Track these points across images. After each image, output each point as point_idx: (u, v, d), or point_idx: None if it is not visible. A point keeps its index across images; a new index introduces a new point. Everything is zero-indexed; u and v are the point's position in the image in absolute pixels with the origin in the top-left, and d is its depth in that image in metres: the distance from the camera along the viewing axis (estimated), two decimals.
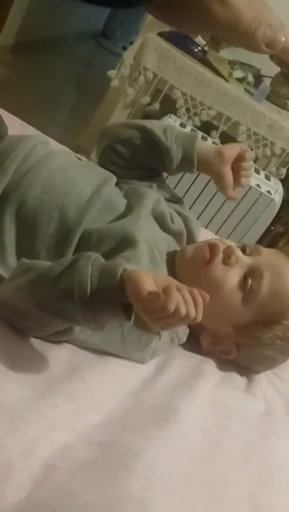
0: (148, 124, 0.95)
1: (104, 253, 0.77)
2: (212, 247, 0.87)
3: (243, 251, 0.89)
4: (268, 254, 0.89)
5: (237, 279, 0.85)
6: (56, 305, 0.64)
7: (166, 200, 0.97)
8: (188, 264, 0.87)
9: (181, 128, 0.97)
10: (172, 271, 0.86)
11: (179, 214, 0.96)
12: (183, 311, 0.58)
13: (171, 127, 0.95)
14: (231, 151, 0.94)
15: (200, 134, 2.11)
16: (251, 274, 0.85)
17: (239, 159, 0.95)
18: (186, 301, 0.59)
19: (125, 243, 0.79)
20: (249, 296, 0.84)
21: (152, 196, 0.90)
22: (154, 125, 0.95)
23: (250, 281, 0.84)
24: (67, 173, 0.85)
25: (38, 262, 0.71)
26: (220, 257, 0.85)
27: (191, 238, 0.97)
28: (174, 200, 0.99)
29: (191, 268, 0.86)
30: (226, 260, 0.85)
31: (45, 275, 0.66)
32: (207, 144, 1.05)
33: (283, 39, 0.61)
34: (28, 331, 0.72)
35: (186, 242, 0.97)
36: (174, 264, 0.88)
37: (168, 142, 0.93)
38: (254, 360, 0.92)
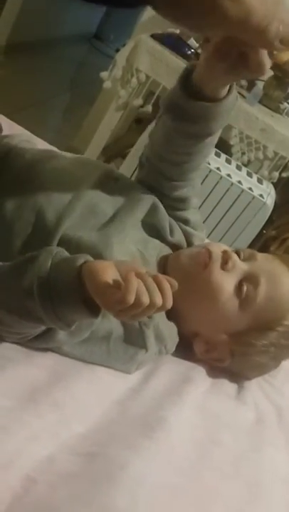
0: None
1: None
2: (210, 251, 0.84)
3: (238, 255, 0.86)
4: (263, 260, 0.87)
5: (233, 285, 0.83)
6: (18, 303, 0.61)
7: (170, 207, 0.90)
8: (184, 269, 0.84)
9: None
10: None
11: (182, 228, 0.92)
12: (145, 300, 0.54)
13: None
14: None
15: None
16: (247, 280, 0.83)
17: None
18: (148, 288, 0.55)
19: (102, 254, 0.75)
20: (245, 303, 0.82)
21: (148, 201, 0.86)
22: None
23: (245, 288, 0.82)
24: (48, 175, 0.81)
25: (4, 263, 0.67)
26: (217, 262, 0.83)
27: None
28: (177, 217, 0.92)
29: (186, 273, 0.83)
30: (223, 265, 0.83)
31: (6, 272, 0.63)
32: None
33: None
34: (3, 335, 0.69)
35: None
36: (165, 270, 0.85)
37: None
38: (246, 367, 0.90)
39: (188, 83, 0.77)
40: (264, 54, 0.64)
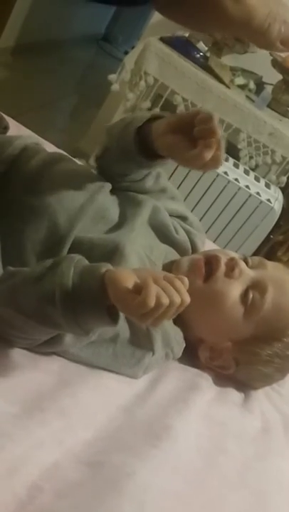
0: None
1: (94, 263, 0.74)
2: (212, 259, 0.83)
3: (246, 263, 0.85)
4: (273, 269, 0.86)
5: (239, 292, 0.82)
6: (38, 309, 0.61)
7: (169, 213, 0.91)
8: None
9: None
10: None
11: (182, 226, 0.93)
12: (165, 301, 0.56)
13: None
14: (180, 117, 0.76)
15: None
16: (254, 287, 0.82)
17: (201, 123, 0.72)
18: (165, 289, 0.57)
19: (114, 256, 0.75)
20: (251, 311, 0.82)
21: (149, 204, 0.86)
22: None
23: (251, 295, 0.81)
24: (59, 178, 0.81)
25: (23, 268, 0.67)
26: (221, 269, 0.82)
27: (195, 250, 0.94)
28: (176, 214, 0.94)
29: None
30: (229, 273, 0.82)
31: (27, 278, 0.64)
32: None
33: None
34: (14, 340, 0.69)
35: (189, 254, 0.93)
36: None
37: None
38: (251, 377, 0.89)
39: (144, 131, 0.78)
40: (204, 150, 0.69)
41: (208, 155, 0.69)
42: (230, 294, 0.81)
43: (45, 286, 0.61)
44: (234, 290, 0.82)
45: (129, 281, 0.57)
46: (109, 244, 0.76)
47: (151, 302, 0.54)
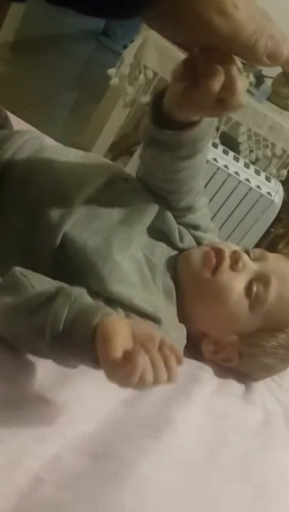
0: None
1: (85, 265, 0.73)
2: (217, 252, 0.83)
3: (248, 255, 0.85)
4: (274, 260, 0.86)
5: (243, 285, 0.82)
6: (27, 340, 0.61)
7: (177, 216, 0.87)
8: (192, 271, 0.83)
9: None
10: (175, 278, 0.83)
11: (192, 234, 0.89)
12: (148, 378, 0.53)
13: None
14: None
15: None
16: (258, 280, 0.82)
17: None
18: (154, 364, 0.54)
19: (108, 259, 0.74)
20: (255, 304, 0.81)
21: (154, 209, 0.83)
22: None
23: (255, 288, 0.81)
24: (57, 171, 0.80)
25: (26, 280, 0.66)
26: (226, 263, 0.82)
27: None
28: (187, 223, 0.89)
29: (195, 275, 0.82)
30: (233, 266, 0.82)
31: (21, 307, 0.62)
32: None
33: (286, 51, 0.58)
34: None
35: None
36: (175, 271, 0.84)
37: None
38: (254, 368, 0.89)
39: (160, 111, 0.72)
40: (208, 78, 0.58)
41: (215, 83, 0.58)
42: (235, 287, 0.81)
43: (38, 321, 0.59)
44: (238, 283, 0.81)
45: (120, 342, 0.54)
46: (103, 249, 0.75)
47: (135, 379, 0.52)
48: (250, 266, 0.83)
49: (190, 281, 0.82)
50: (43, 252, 0.74)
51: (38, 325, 0.59)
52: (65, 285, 0.67)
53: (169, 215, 0.85)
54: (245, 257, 0.83)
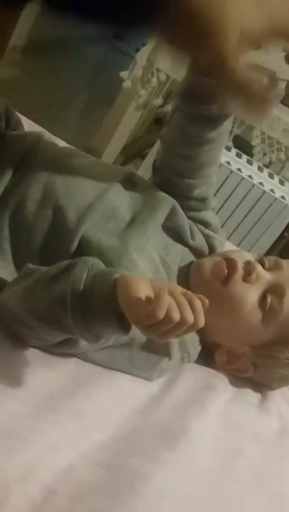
0: None
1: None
2: (229, 262, 0.81)
3: (262, 265, 0.82)
4: None
5: (257, 297, 0.79)
6: (49, 312, 0.60)
7: (191, 209, 0.87)
8: (204, 281, 0.81)
9: None
10: (186, 285, 0.80)
11: (201, 231, 0.88)
12: (176, 316, 0.53)
13: None
14: None
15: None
16: (272, 291, 0.80)
17: None
18: (180, 304, 0.54)
19: (123, 258, 0.73)
20: (269, 315, 0.79)
21: (167, 205, 0.83)
22: None
23: (269, 299, 0.79)
24: (70, 174, 0.79)
25: (42, 268, 0.66)
26: (239, 273, 0.79)
27: (212, 252, 0.90)
28: (198, 219, 0.88)
29: (207, 285, 0.80)
30: (246, 277, 0.79)
31: (40, 280, 0.62)
32: None
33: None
34: (28, 340, 0.68)
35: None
36: (187, 278, 0.82)
37: None
38: (269, 379, 0.87)
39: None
40: None
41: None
42: (248, 299, 0.79)
43: (58, 290, 0.59)
44: (252, 295, 0.79)
45: (142, 289, 0.55)
46: (119, 247, 0.74)
47: (161, 314, 0.52)
48: (264, 277, 0.81)
49: (201, 292, 0.80)
50: (61, 254, 0.74)
51: (58, 292, 0.59)
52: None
53: (181, 212, 0.85)
54: (258, 267, 0.81)
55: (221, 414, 0.77)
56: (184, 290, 0.58)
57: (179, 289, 0.57)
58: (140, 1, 0.41)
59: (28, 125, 1.20)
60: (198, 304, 0.56)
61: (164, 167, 0.86)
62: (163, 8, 0.43)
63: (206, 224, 0.89)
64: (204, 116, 0.78)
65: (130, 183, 0.85)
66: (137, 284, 0.56)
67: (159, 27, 0.48)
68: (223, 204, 1.94)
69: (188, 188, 0.85)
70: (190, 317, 0.54)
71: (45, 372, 0.67)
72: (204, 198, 0.87)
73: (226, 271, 0.79)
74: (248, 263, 0.81)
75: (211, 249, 0.90)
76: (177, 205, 0.84)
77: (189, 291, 0.57)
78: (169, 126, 0.84)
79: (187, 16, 0.45)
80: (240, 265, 0.80)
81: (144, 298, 0.54)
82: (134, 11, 0.43)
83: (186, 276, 0.82)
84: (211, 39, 0.48)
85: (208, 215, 0.90)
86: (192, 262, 0.85)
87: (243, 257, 0.83)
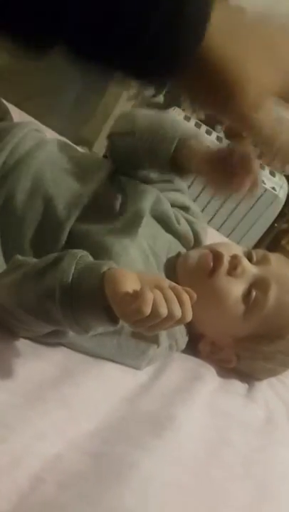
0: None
1: (92, 254, 0.73)
2: (216, 255, 0.81)
3: (250, 258, 0.83)
4: (277, 263, 0.84)
5: (241, 291, 0.80)
6: (38, 305, 0.61)
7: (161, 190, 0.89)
8: (190, 273, 0.82)
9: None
10: (173, 277, 0.81)
11: (184, 216, 0.90)
12: (163, 311, 0.53)
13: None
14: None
15: (204, 128, 2.07)
16: (257, 285, 0.80)
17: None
18: (168, 299, 0.54)
19: (113, 248, 0.73)
20: (253, 310, 0.80)
21: (152, 194, 0.84)
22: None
23: (254, 294, 0.80)
24: (59, 165, 0.80)
25: (30, 260, 0.67)
26: (224, 267, 0.80)
27: (197, 241, 0.92)
28: (178, 205, 0.91)
29: (193, 277, 0.81)
30: (232, 271, 0.80)
31: (28, 273, 0.63)
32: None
33: None
34: (16, 330, 0.68)
35: (192, 245, 0.91)
36: (175, 270, 0.83)
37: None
38: (254, 370, 0.89)
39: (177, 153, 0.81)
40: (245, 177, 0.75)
41: (248, 183, 0.75)
42: (232, 293, 0.80)
43: (46, 282, 0.60)
44: (236, 289, 0.80)
45: (129, 284, 0.55)
46: (109, 235, 0.75)
47: (147, 310, 0.52)
48: (250, 270, 0.81)
49: (186, 283, 0.80)
50: (51, 245, 0.74)
51: (46, 286, 0.59)
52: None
53: (166, 200, 0.86)
54: (244, 261, 0.82)
55: (208, 403, 0.78)
56: (173, 284, 0.58)
57: (167, 283, 0.58)
58: (162, 56, 0.41)
59: (18, 115, 1.19)
60: (186, 297, 0.56)
61: (116, 162, 0.88)
62: (184, 63, 0.43)
63: (184, 208, 0.91)
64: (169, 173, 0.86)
65: (117, 174, 0.86)
66: (124, 279, 0.56)
67: (179, 81, 0.48)
68: (213, 196, 1.94)
69: (146, 176, 0.87)
70: (177, 312, 0.55)
71: (34, 362, 0.68)
72: (167, 179, 0.89)
73: (212, 264, 0.80)
74: (234, 257, 0.81)
75: (195, 235, 0.91)
76: (160, 194, 0.86)
77: (177, 285, 0.58)
78: (123, 144, 0.86)
79: (207, 72, 0.45)
80: (226, 259, 0.81)
81: (131, 292, 0.54)
82: (155, 66, 0.43)
83: (174, 267, 0.83)
84: (231, 96, 0.49)
85: (184, 198, 0.92)
86: (179, 252, 0.85)
87: (230, 250, 0.83)
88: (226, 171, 0.75)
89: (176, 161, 0.81)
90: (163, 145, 0.80)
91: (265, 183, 1.94)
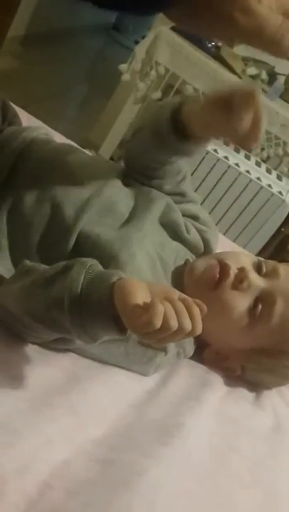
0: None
1: (100, 259, 0.73)
2: (223, 267, 0.80)
3: (259, 269, 0.82)
4: (285, 278, 0.82)
5: (247, 305, 0.79)
6: (46, 313, 0.60)
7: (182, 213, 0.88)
8: (196, 283, 0.81)
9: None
10: (180, 285, 0.81)
11: (194, 225, 0.89)
12: (173, 324, 0.52)
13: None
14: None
15: None
16: (262, 299, 0.79)
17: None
18: (178, 312, 0.54)
19: (121, 253, 0.73)
20: (257, 323, 0.79)
21: (162, 202, 0.84)
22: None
23: (260, 308, 0.79)
24: (67, 169, 0.79)
25: (38, 266, 0.66)
26: (230, 280, 0.79)
27: (207, 248, 0.91)
28: (188, 214, 0.90)
29: (198, 287, 0.80)
30: (237, 285, 0.79)
31: (36, 281, 0.62)
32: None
33: None
34: (25, 337, 0.68)
35: (202, 252, 0.90)
36: (182, 277, 0.82)
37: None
38: (259, 381, 0.88)
39: (178, 117, 0.76)
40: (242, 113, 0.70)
41: (246, 122, 0.70)
42: (236, 307, 0.79)
43: (55, 291, 0.59)
44: (240, 303, 0.79)
45: (139, 295, 0.54)
46: (117, 241, 0.74)
47: (157, 323, 0.51)
48: (257, 284, 0.80)
49: (192, 292, 0.80)
50: (59, 249, 0.74)
51: (55, 294, 0.59)
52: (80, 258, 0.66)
53: (176, 208, 0.85)
54: (251, 275, 0.80)
55: (216, 410, 0.78)
56: (183, 295, 0.57)
57: (177, 295, 0.57)
58: None
59: (26, 118, 1.19)
60: (196, 311, 0.55)
61: (130, 170, 0.87)
62: None
63: (194, 218, 0.90)
64: (170, 152, 0.81)
65: (126, 178, 0.86)
66: (135, 290, 0.55)
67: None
68: (220, 198, 1.94)
69: (159, 186, 0.86)
70: (188, 325, 0.54)
71: (42, 368, 0.68)
72: (180, 193, 0.88)
73: (218, 276, 0.79)
74: (241, 269, 0.80)
75: (206, 244, 0.91)
76: (171, 201, 0.85)
77: (188, 297, 0.57)
78: (135, 141, 0.85)
79: None
80: (232, 271, 0.80)
81: (141, 304, 0.54)
82: None
83: (181, 275, 0.82)
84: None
85: (195, 208, 0.91)
86: (187, 260, 0.85)
87: (238, 261, 0.82)
88: (231, 112, 0.70)
89: (179, 127, 0.76)
90: (162, 116, 0.77)
91: (271, 188, 1.94)
